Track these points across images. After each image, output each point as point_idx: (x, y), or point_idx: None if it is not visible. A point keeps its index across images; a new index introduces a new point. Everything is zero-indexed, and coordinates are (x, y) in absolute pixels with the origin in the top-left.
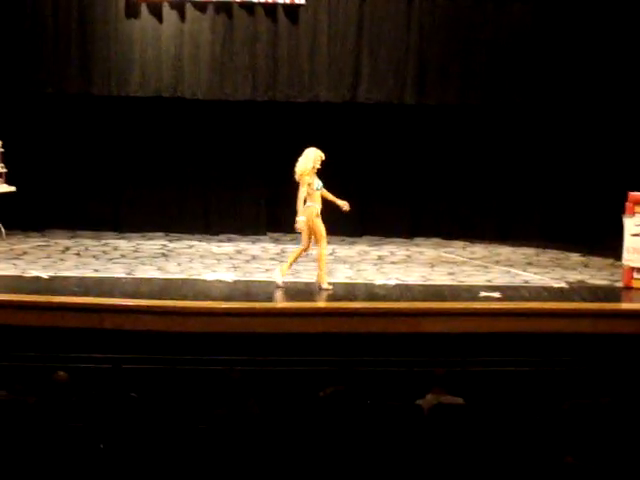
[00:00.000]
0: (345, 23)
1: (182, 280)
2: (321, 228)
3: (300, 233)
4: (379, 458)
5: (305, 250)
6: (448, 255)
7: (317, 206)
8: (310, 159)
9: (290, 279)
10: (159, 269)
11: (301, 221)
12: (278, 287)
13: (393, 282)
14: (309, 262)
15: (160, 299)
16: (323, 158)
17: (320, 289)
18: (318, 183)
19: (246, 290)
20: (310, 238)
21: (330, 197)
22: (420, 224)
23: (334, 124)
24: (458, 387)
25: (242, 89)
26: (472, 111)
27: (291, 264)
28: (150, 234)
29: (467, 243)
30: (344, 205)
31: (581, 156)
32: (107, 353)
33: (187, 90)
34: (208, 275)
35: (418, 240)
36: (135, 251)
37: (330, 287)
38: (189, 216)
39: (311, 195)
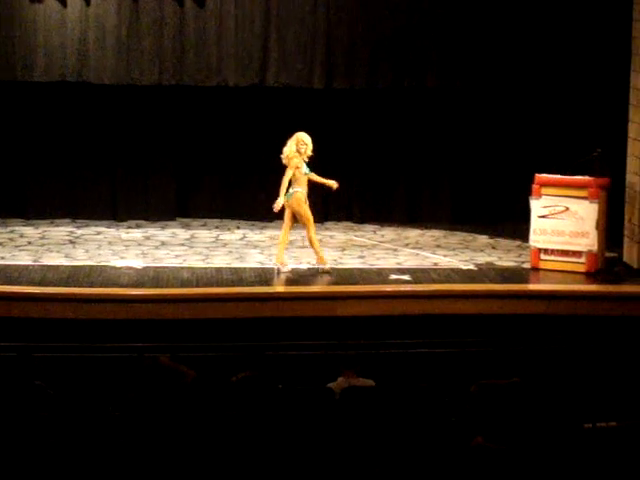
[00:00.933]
0: (252, 6)
1: (90, 267)
2: (308, 213)
3: (277, 214)
4: (291, 441)
5: (290, 229)
6: (358, 239)
7: (304, 191)
8: (293, 142)
9: (199, 265)
10: (67, 256)
11: (279, 203)
12: (282, 272)
13: (305, 266)
14: (219, 247)
15: (68, 286)
16: (306, 142)
17: (323, 272)
18: (306, 168)
19: (155, 276)
20: (292, 220)
21: (318, 179)
22: (330, 208)
23: (243, 108)
24: (369, 370)
25: (149, 73)
26: (380, 94)
27: (283, 249)
28: (57, 221)
29: (377, 227)
30: (333, 184)
31: (488, 139)
32: (16, 341)
33: (93, 75)
34: (117, 262)
35: (329, 224)
36: (42, 238)
37: (330, 268)
38: (97, 202)
39: (298, 179)
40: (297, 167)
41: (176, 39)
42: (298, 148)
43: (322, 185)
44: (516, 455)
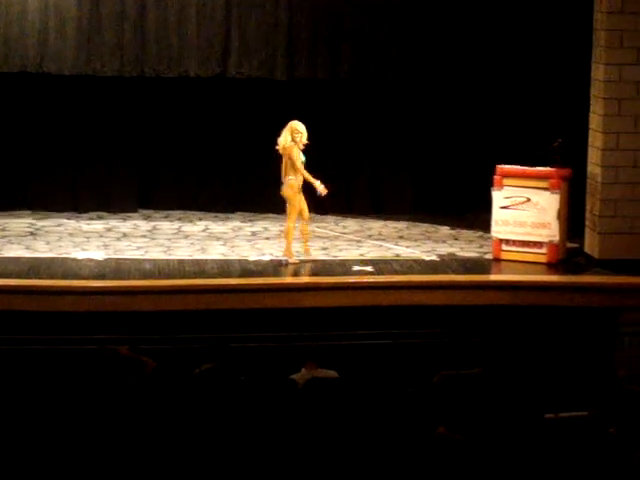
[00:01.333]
0: None
1: (51, 259)
2: (301, 203)
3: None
4: (254, 433)
5: (298, 219)
6: (321, 230)
7: (299, 180)
8: (287, 131)
9: (161, 256)
10: (27, 248)
11: (319, 185)
12: (290, 263)
13: (267, 258)
14: (181, 239)
15: (29, 278)
16: (301, 130)
17: (287, 264)
18: (302, 156)
19: (117, 268)
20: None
21: (307, 176)
22: None
23: (206, 99)
24: (332, 361)
25: (110, 64)
26: (342, 85)
27: (291, 241)
28: (17, 212)
29: (339, 218)
30: (319, 187)
31: (450, 130)
32: None
33: (53, 66)
34: (78, 254)
35: None
36: (2, 230)
37: (297, 261)
38: (58, 194)
39: (294, 168)
40: (294, 156)
41: (137, 30)
42: (293, 137)
43: (309, 183)
44: (478, 445)
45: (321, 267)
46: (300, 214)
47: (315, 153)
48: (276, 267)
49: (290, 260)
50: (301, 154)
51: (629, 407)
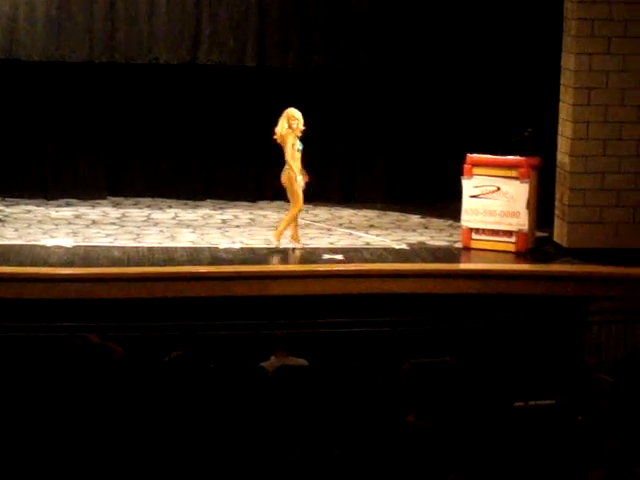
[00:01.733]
0: None
1: (20, 246)
2: (298, 191)
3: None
4: (225, 421)
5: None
6: None
7: (297, 168)
8: (284, 119)
9: (131, 244)
10: None
11: (300, 180)
12: (298, 249)
13: (237, 246)
14: (150, 226)
15: None
16: (297, 117)
17: (294, 250)
18: (299, 144)
19: (86, 255)
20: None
21: (291, 165)
22: (263, 188)
23: (175, 86)
24: (302, 349)
25: (79, 50)
26: (313, 73)
27: (295, 227)
28: None
29: (310, 206)
30: (298, 182)
31: (421, 119)
32: None
33: (22, 52)
34: (47, 241)
35: (262, 204)
36: None
37: (303, 246)
38: (26, 180)
39: (292, 156)
40: (292, 144)
41: (107, 16)
42: (290, 124)
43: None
44: (448, 433)
45: (291, 255)
46: (292, 200)
47: None
48: (246, 255)
49: (297, 245)
50: (298, 142)
51: (597, 395)
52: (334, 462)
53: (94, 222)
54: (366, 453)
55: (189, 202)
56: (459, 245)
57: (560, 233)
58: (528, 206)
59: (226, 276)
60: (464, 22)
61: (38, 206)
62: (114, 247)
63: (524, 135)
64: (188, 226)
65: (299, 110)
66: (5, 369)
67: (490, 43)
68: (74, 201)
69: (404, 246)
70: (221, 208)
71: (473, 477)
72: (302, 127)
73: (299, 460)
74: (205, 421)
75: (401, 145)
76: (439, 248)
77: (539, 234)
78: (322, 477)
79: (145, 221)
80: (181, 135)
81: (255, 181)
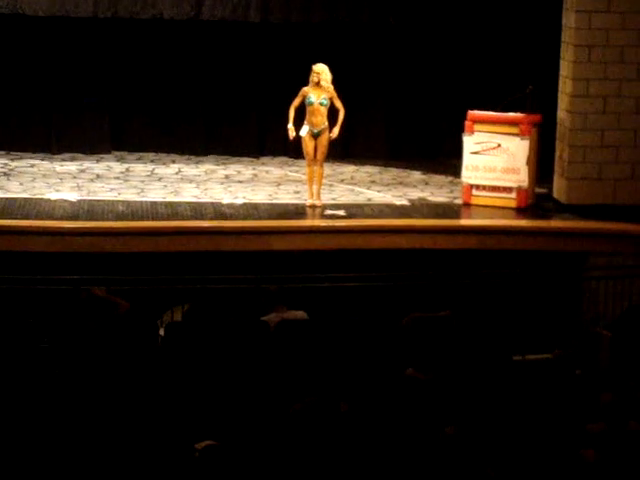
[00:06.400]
0: None
1: (25, 199)
2: (307, 148)
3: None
4: (227, 375)
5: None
6: (294, 174)
7: (306, 125)
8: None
9: (135, 198)
10: (1, 188)
11: (291, 128)
12: (314, 207)
13: (240, 201)
14: (154, 181)
15: (2, 219)
16: (317, 71)
17: (313, 206)
18: (312, 98)
19: (90, 209)
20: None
21: (289, 113)
22: (266, 143)
23: (179, 41)
24: (303, 304)
25: (84, 6)
26: (316, 28)
27: (311, 186)
28: None
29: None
30: (289, 132)
31: (422, 75)
32: None
33: (27, 7)
34: (51, 194)
35: (265, 159)
36: None
37: (322, 204)
38: (31, 134)
39: (307, 111)
40: (303, 95)
41: None
42: (312, 79)
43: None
44: (447, 386)
45: (293, 211)
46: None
47: (288, 96)
48: (249, 210)
49: (317, 204)
50: (312, 95)
51: (594, 349)
52: (337, 415)
53: (98, 176)
54: (366, 405)
55: (192, 157)
56: (459, 201)
57: (559, 189)
58: (528, 163)
59: (229, 231)
60: None
61: (43, 160)
62: (118, 201)
63: (525, 92)
64: (191, 181)
65: (303, 66)
66: (10, 321)
67: (492, 0)
68: (79, 155)
69: (405, 202)
70: (224, 163)
71: (471, 429)
72: (316, 80)
73: (303, 411)
74: (211, 374)
75: (403, 102)
76: (440, 204)
77: (539, 190)
78: (326, 429)
79: (149, 176)
80: (184, 91)
81: (258, 137)
